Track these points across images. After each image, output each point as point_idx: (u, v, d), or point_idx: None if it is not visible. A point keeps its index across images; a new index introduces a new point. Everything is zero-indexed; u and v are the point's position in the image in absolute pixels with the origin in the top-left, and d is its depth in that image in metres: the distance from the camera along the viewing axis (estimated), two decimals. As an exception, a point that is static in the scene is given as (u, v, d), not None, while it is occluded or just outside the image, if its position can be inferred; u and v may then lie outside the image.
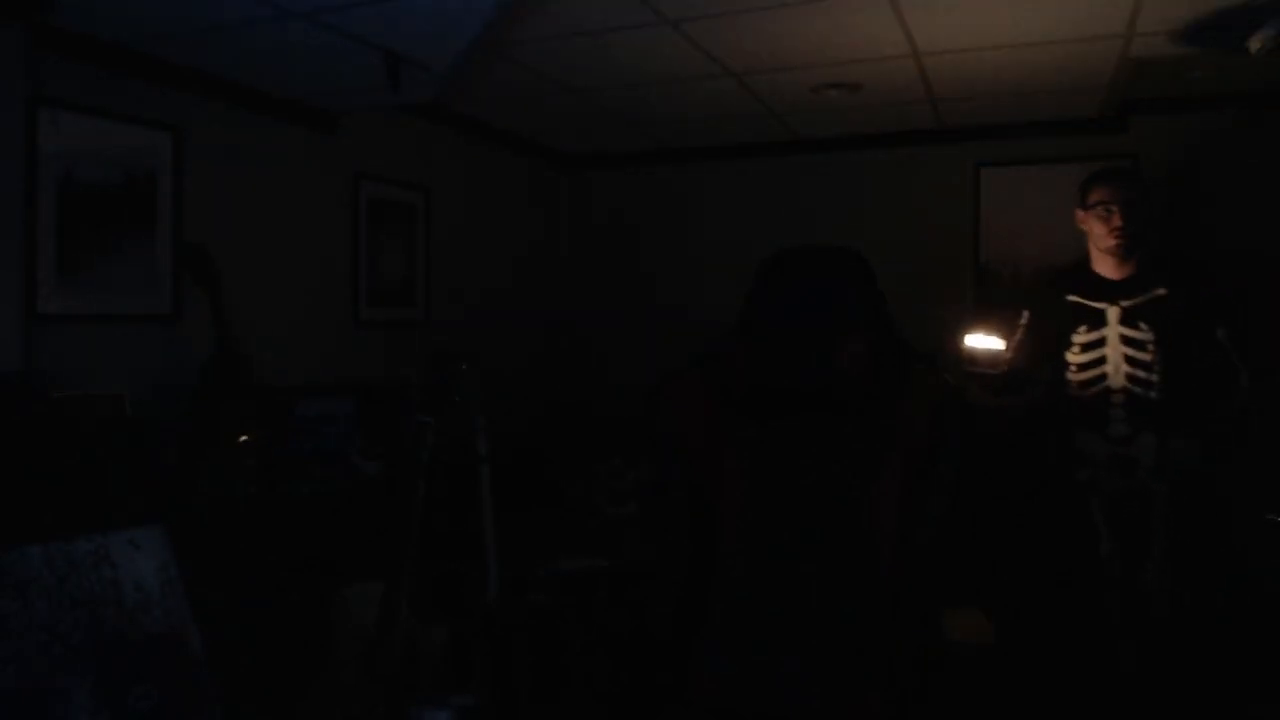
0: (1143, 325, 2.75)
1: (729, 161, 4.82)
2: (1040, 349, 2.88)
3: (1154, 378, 2.74)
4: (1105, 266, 2.85)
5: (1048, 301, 2.92)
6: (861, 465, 1.81)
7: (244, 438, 2.91)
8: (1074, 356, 2.83)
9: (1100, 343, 2.80)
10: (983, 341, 2.76)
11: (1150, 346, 2.74)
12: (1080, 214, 2.92)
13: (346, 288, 3.75)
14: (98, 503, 2.31)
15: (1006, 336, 2.85)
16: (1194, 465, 2.79)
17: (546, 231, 5.10)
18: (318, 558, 2.71)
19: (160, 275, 2.97)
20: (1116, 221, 2.77)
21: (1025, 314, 2.95)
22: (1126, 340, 2.77)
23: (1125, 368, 2.77)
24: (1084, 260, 2.92)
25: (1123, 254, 2.78)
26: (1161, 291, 2.75)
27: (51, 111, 2.65)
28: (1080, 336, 2.83)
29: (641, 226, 5.05)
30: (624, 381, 4.64)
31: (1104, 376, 2.79)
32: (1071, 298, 2.86)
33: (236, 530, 2.73)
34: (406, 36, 2.68)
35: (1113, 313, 2.79)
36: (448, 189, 4.26)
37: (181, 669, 1.53)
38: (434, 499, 2.22)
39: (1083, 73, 3.36)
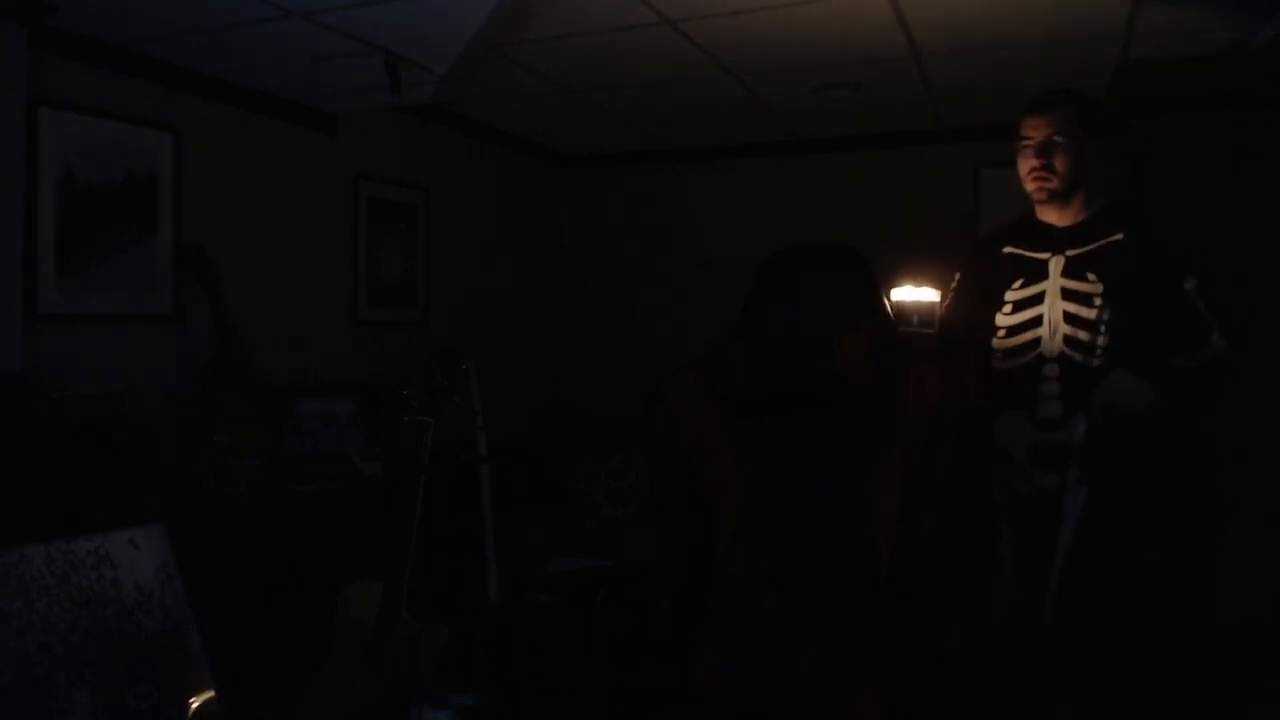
0: (1090, 275, 2.22)
1: (729, 161, 4.82)
2: (974, 315, 2.40)
3: (1098, 339, 2.18)
4: (1050, 213, 2.36)
5: (982, 256, 2.45)
6: (860, 464, 1.81)
7: (244, 438, 2.91)
8: (1004, 317, 2.32)
9: (1037, 299, 2.29)
10: (913, 294, 2.35)
11: (1097, 300, 2.20)
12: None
13: (346, 288, 3.75)
14: (98, 503, 2.31)
15: (941, 289, 2.45)
16: (1126, 454, 2.20)
17: (546, 231, 5.10)
18: (318, 558, 2.71)
19: (160, 275, 2.97)
20: (1031, 160, 2.28)
21: (956, 276, 2.51)
22: (1068, 294, 2.24)
23: (1064, 328, 2.22)
24: (1029, 210, 2.45)
25: (1046, 200, 2.31)
26: (1117, 236, 2.25)
27: (52, 111, 2.65)
28: (1014, 293, 2.32)
29: (641, 226, 5.05)
30: (624, 381, 4.65)
31: (1037, 341, 2.25)
32: (1008, 249, 2.38)
33: (236, 530, 2.73)
34: (406, 36, 2.68)
35: (1055, 263, 2.28)
36: (448, 189, 4.27)
37: (181, 668, 1.53)
38: (434, 499, 2.22)
39: (1083, 73, 3.36)
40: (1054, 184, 2.26)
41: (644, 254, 5.03)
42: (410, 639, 2.08)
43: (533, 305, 4.93)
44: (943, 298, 2.46)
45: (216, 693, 1.56)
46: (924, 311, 2.34)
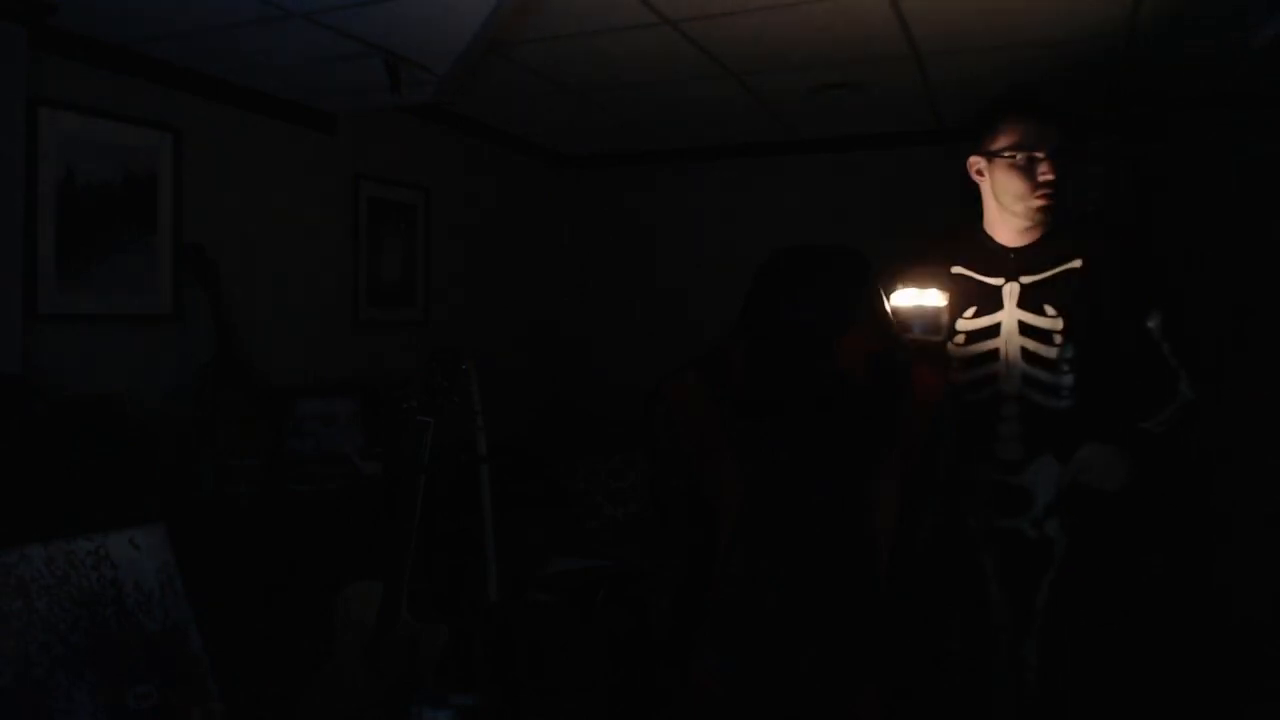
0: (1048, 309, 2.04)
1: (729, 161, 4.82)
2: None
3: (1060, 381, 2.03)
4: (1004, 230, 2.15)
5: (928, 276, 2.19)
6: (860, 465, 1.81)
7: (244, 438, 2.91)
8: (956, 348, 2.13)
9: (991, 331, 2.11)
10: (914, 298, 2.11)
11: (1057, 338, 2.02)
12: (978, 161, 2.22)
13: (346, 288, 3.75)
14: (98, 503, 2.31)
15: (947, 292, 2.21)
16: (1106, 503, 2.07)
17: (546, 231, 5.10)
18: (318, 558, 2.71)
19: (160, 275, 2.97)
20: (1047, 174, 2.05)
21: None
22: (1026, 329, 2.06)
23: (1023, 366, 2.06)
24: (974, 221, 2.24)
25: (1042, 222, 2.11)
26: (1076, 264, 2.06)
27: (52, 111, 2.65)
28: (966, 322, 2.13)
29: (641, 226, 5.05)
30: (624, 381, 4.64)
31: (994, 378, 2.09)
32: (957, 269, 2.17)
33: (236, 530, 2.73)
34: (406, 36, 2.68)
35: (1010, 291, 2.09)
36: (448, 189, 4.27)
37: (181, 668, 1.53)
38: (434, 499, 2.23)
39: (1083, 73, 3.36)
40: (1056, 206, 2.08)
41: (644, 254, 5.03)
42: (410, 639, 2.08)
43: (533, 305, 4.93)
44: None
45: (216, 693, 1.56)
46: (928, 318, 2.08)
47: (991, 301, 2.12)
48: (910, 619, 1.85)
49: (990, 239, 2.19)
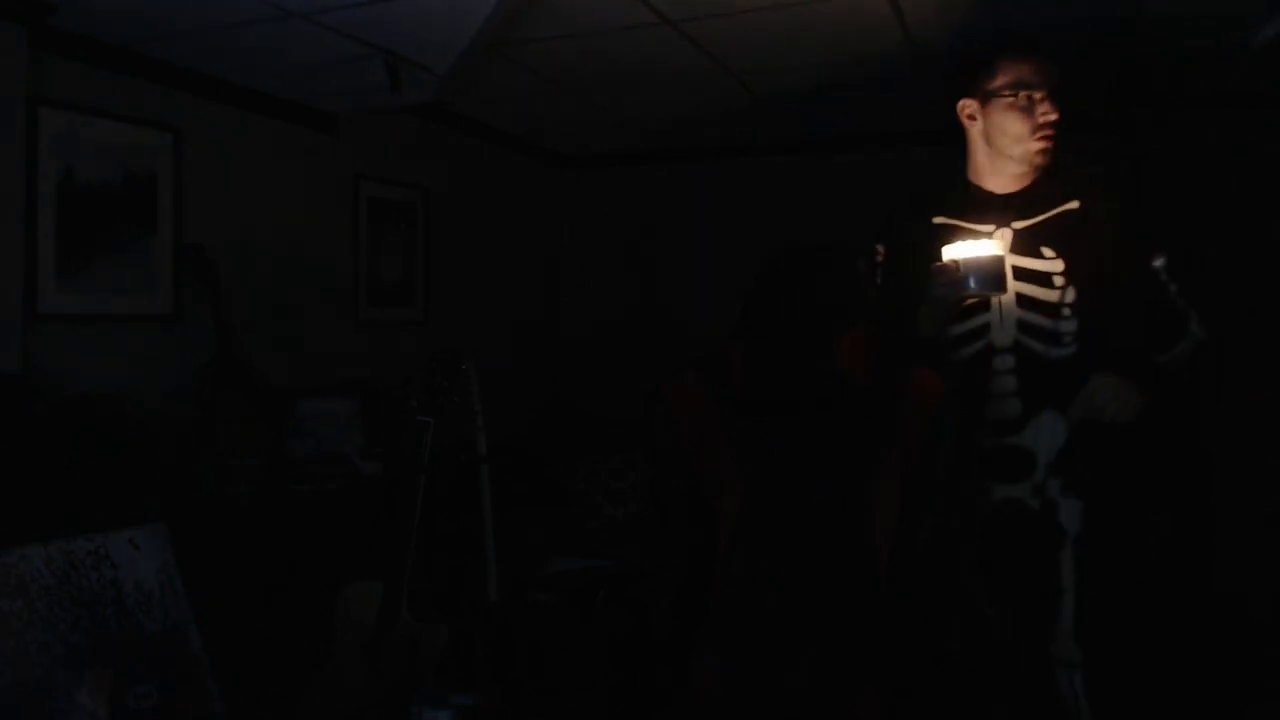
0: (1046, 251, 1.91)
1: (729, 161, 4.82)
2: (904, 298, 2.03)
3: (1060, 326, 1.88)
4: (995, 178, 2.02)
5: (908, 227, 2.09)
6: (860, 465, 1.81)
7: (244, 438, 2.91)
8: None
9: None
10: (970, 249, 1.93)
11: (1057, 280, 1.89)
12: (970, 103, 2.08)
13: (346, 288, 3.75)
14: (98, 503, 2.31)
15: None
16: (1114, 453, 1.94)
17: (546, 231, 5.10)
18: (318, 558, 2.71)
19: (160, 275, 2.97)
20: (1048, 113, 1.91)
21: (878, 250, 2.18)
22: (1022, 274, 1.92)
23: (1017, 313, 1.91)
24: (959, 172, 2.12)
25: (1042, 165, 1.96)
26: (1071, 205, 1.93)
27: (52, 111, 2.65)
28: None
29: (641, 226, 5.05)
30: (624, 381, 4.64)
31: (985, 329, 1.93)
32: (940, 219, 2.03)
33: (236, 530, 2.73)
34: (406, 36, 2.68)
35: (1000, 237, 1.95)
36: (448, 189, 4.27)
37: (181, 668, 1.53)
38: (434, 499, 2.23)
39: (1084, 72, 3.36)
40: (1055, 148, 1.93)
41: (643, 254, 5.03)
42: (410, 639, 2.08)
43: (533, 305, 4.93)
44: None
45: (216, 693, 1.56)
46: (986, 270, 1.86)
47: None
48: (910, 619, 1.85)
49: (978, 188, 2.04)
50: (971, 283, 1.85)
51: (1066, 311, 1.90)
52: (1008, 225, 1.96)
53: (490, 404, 2.39)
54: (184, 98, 3.03)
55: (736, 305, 2.40)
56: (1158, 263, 1.93)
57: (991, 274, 1.86)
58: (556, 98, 3.81)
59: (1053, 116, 1.93)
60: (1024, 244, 1.94)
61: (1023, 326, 1.92)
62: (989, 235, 1.93)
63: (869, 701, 1.78)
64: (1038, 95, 1.93)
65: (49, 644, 1.42)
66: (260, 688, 2.09)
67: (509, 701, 2.54)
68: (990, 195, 2.02)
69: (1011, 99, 1.96)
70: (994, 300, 1.91)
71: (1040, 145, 1.94)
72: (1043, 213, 1.94)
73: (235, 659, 1.81)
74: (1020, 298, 1.92)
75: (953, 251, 1.88)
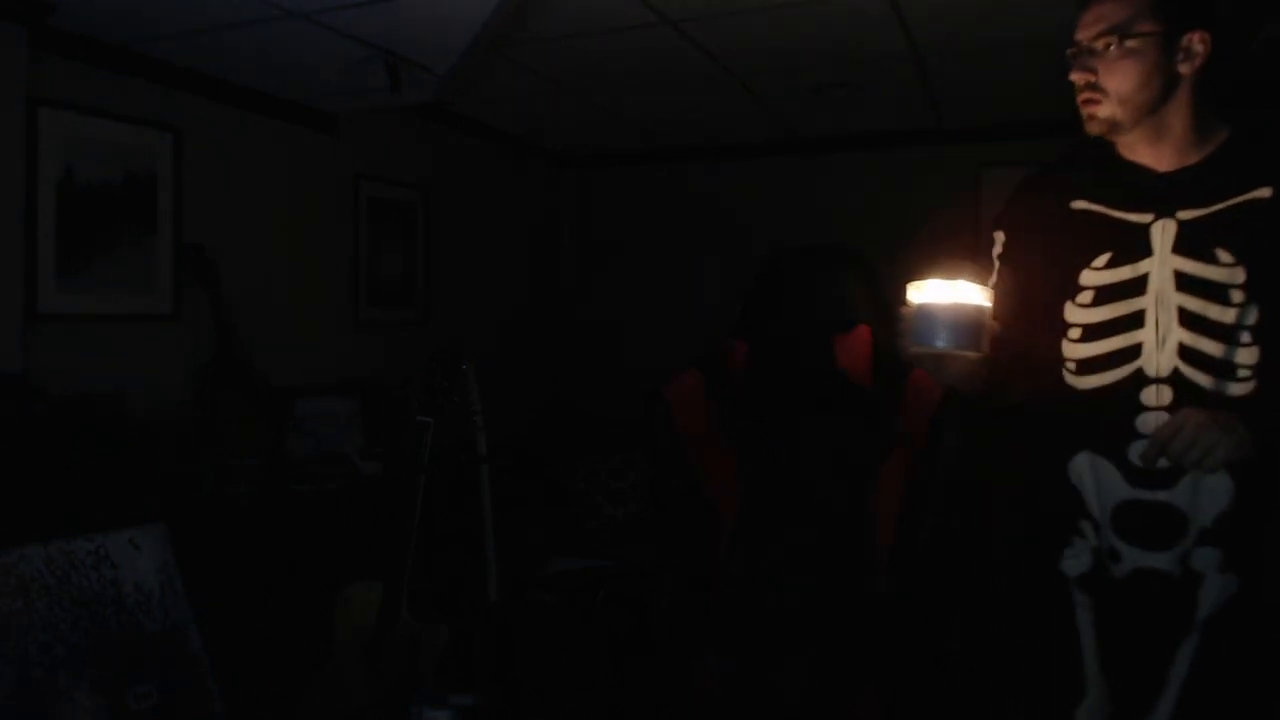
0: (1222, 254, 1.44)
1: (728, 161, 4.82)
2: (1033, 301, 1.59)
3: (1236, 355, 1.44)
4: (1140, 148, 1.54)
5: (1038, 209, 1.63)
6: (860, 464, 1.81)
7: (244, 438, 2.91)
8: (1079, 310, 1.53)
9: (1135, 287, 1.49)
10: (944, 293, 1.47)
11: (1236, 294, 1.43)
12: None
13: (346, 288, 3.75)
14: (98, 503, 2.31)
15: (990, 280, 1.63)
16: None
17: (546, 231, 5.10)
18: (318, 558, 2.71)
19: (160, 275, 2.97)
20: (1075, 75, 1.52)
21: (999, 237, 1.67)
22: (1187, 283, 1.46)
23: (1180, 334, 1.46)
24: (1106, 142, 1.58)
25: (1102, 133, 1.53)
26: (1261, 192, 1.46)
27: (51, 111, 2.65)
28: (1096, 273, 1.52)
29: (641, 226, 5.05)
30: (623, 381, 4.64)
31: (1135, 351, 1.49)
32: (1080, 203, 1.57)
33: (236, 530, 2.73)
34: (406, 36, 2.68)
35: (1162, 231, 1.49)
36: (448, 189, 4.27)
37: (181, 668, 1.53)
38: (434, 499, 2.23)
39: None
40: (1107, 110, 1.48)
41: (643, 254, 5.03)
42: (410, 639, 2.08)
43: (532, 305, 4.93)
44: (994, 287, 1.60)
45: (216, 693, 1.56)
46: (962, 322, 1.45)
47: (1134, 245, 1.50)
48: (910, 618, 1.85)
49: (1130, 163, 1.55)
50: (939, 338, 1.45)
51: (1246, 336, 1.44)
52: (1171, 216, 1.49)
53: (490, 404, 2.39)
54: (184, 98, 3.03)
55: (737, 305, 2.40)
56: None
57: (969, 329, 1.45)
58: (556, 98, 3.81)
59: (1077, 79, 1.51)
60: (1192, 242, 1.47)
61: (1186, 353, 1.46)
62: (1146, 227, 1.49)
63: (869, 701, 1.78)
64: (1070, 51, 1.53)
65: (49, 644, 1.42)
66: (260, 688, 2.09)
67: (509, 701, 2.54)
68: (1148, 172, 1.53)
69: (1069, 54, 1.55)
70: (1151, 317, 1.47)
71: (1083, 111, 1.52)
72: (1220, 200, 1.47)
73: (235, 659, 1.81)
74: (1184, 314, 1.46)
75: (921, 294, 1.49)
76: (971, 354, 1.47)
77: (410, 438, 2.18)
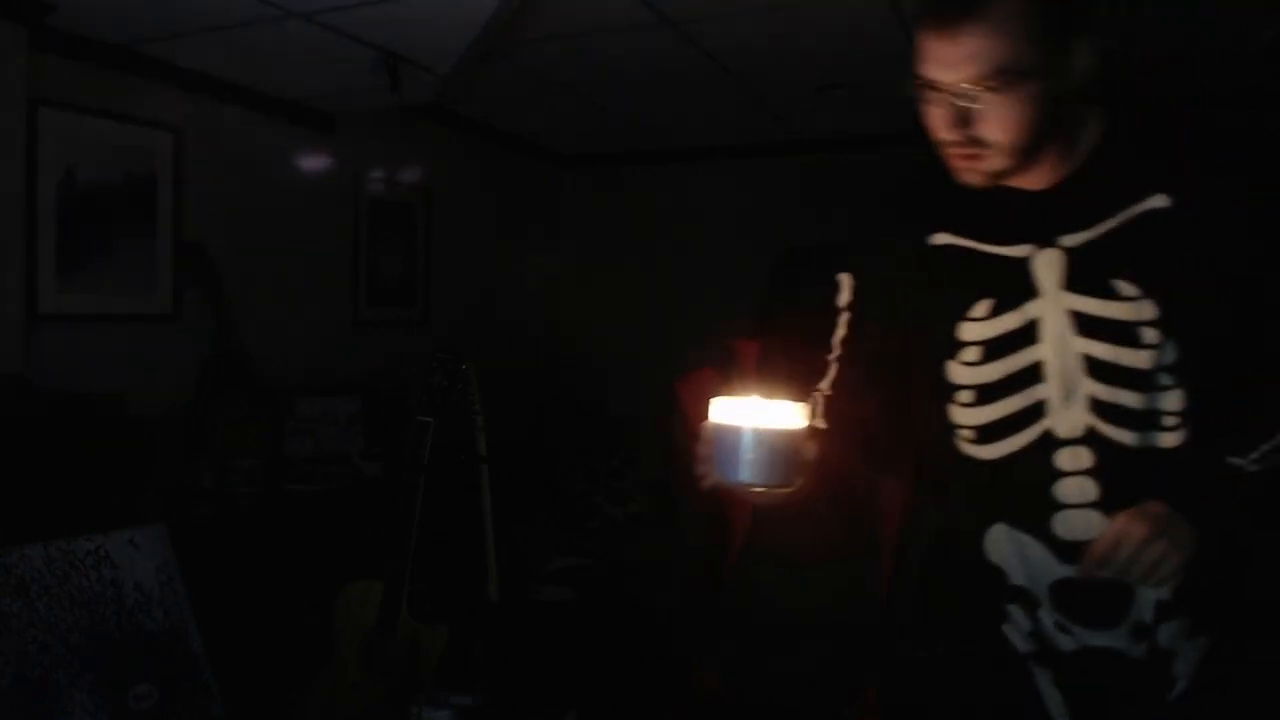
0: (1123, 286, 1.17)
1: (729, 161, 4.82)
2: (902, 360, 1.34)
3: (1159, 402, 1.18)
4: (1014, 177, 1.23)
5: (890, 246, 1.33)
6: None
7: (244, 438, 2.91)
8: (966, 371, 1.26)
9: (1025, 336, 1.23)
10: (749, 415, 1.17)
11: (1148, 334, 1.16)
12: None
13: (346, 288, 3.75)
14: (98, 503, 2.31)
15: (810, 385, 1.37)
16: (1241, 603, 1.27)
17: (546, 231, 5.10)
18: (318, 558, 2.71)
19: (160, 275, 2.97)
20: (944, 131, 1.17)
21: (845, 281, 1.38)
22: (1086, 324, 1.19)
23: (1089, 386, 1.20)
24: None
25: (982, 181, 1.20)
26: (1159, 202, 1.17)
27: (52, 111, 2.65)
28: (977, 326, 1.25)
29: (641, 226, 5.05)
30: (624, 381, 4.64)
31: (1038, 411, 1.23)
32: (941, 237, 1.28)
33: (236, 530, 2.73)
34: (406, 36, 2.68)
35: (1045, 263, 1.21)
36: (448, 189, 4.27)
37: (181, 668, 1.53)
38: (434, 499, 2.22)
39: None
40: (993, 164, 1.17)
41: (643, 254, 5.03)
42: (410, 639, 2.08)
43: (532, 305, 4.93)
44: (820, 352, 1.38)
45: (216, 692, 1.56)
46: (770, 452, 1.16)
47: (1016, 286, 1.22)
48: (910, 618, 1.85)
49: (999, 183, 1.23)
50: (742, 471, 1.16)
51: (1167, 379, 1.18)
52: (1052, 243, 1.20)
53: (490, 404, 2.38)
54: (184, 98, 3.03)
55: (755, 303, 2.39)
56: None
57: (774, 460, 1.16)
58: (556, 98, 3.81)
59: (948, 136, 1.17)
60: (1085, 274, 1.19)
61: (1099, 407, 1.20)
62: (1024, 262, 1.21)
63: (869, 701, 1.78)
64: (926, 92, 1.17)
65: (49, 644, 1.42)
66: (260, 688, 2.09)
67: (509, 701, 2.54)
68: (1016, 193, 1.24)
69: (919, 95, 1.18)
70: (1049, 370, 1.21)
71: (956, 164, 1.20)
72: (1109, 217, 1.18)
73: (235, 659, 1.81)
74: (1091, 362, 1.19)
75: (720, 413, 1.19)
76: (779, 490, 1.19)
77: (410, 438, 2.18)
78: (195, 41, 2.75)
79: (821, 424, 1.33)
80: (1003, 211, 1.24)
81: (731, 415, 1.16)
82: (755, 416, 1.15)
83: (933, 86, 1.15)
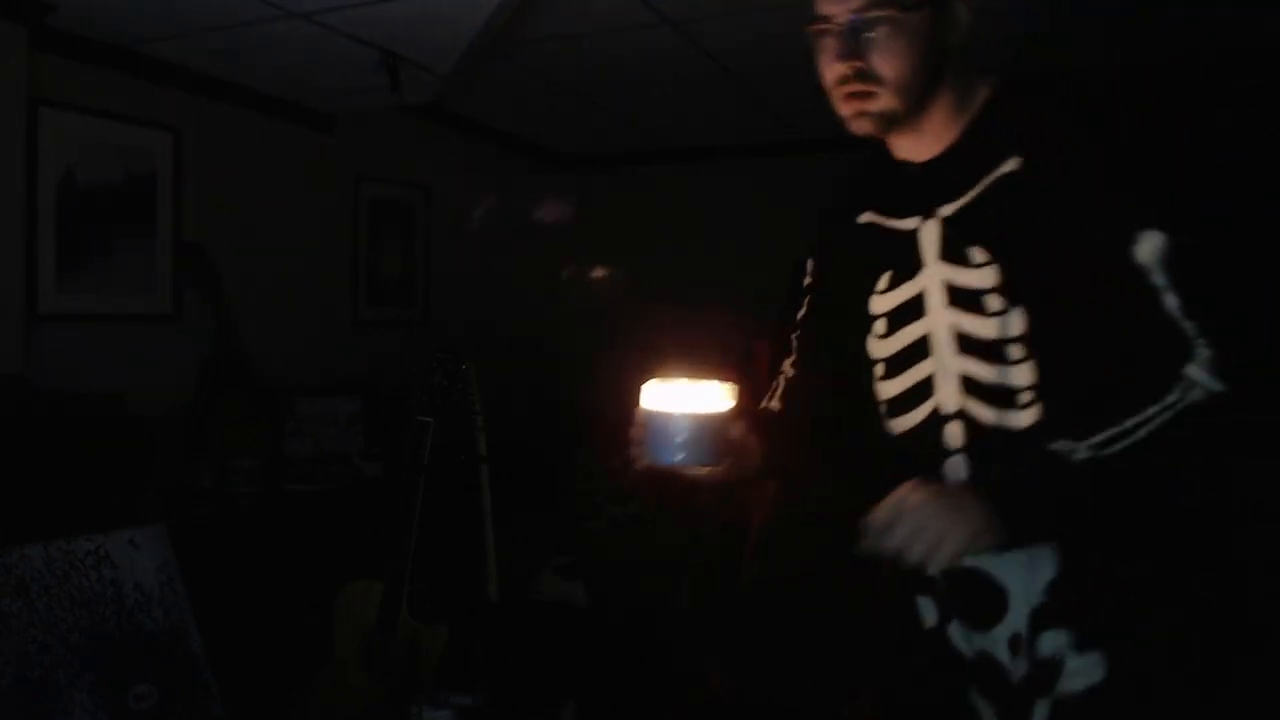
0: (976, 252, 1.15)
1: (729, 161, 4.82)
2: (841, 337, 1.34)
3: (1010, 378, 1.14)
4: (899, 141, 1.26)
5: (835, 229, 1.37)
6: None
7: (244, 438, 2.91)
8: (878, 344, 1.28)
9: (915, 309, 1.23)
10: (675, 398, 1.21)
11: (992, 301, 1.14)
12: None
13: (346, 288, 3.75)
14: (98, 502, 2.31)
15: (748, 369, 1.45)
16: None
17: (546, 231, 5.10)
18: (318, 558, 2.71)
19: (160, 275, 2.97)
20: (835, 63, 1.21)
21: (809, 265, 1.43)
22: (954, 295, 1.18)
23: (957, 361, 1.18)
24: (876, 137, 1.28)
25: (875, 132, 1.22)
26: (1009, 166, 1.14)
27: (51, 111, 2.65)
28: (882, 299, 1.26)
29: (641, 226, 5.05)
30: (624, 381, 4.63)
31: (928, 386, 1.22)
32: (865, 216, 1.31)
33: (236, 530, 2.72)
34: (407, 37, 2.67)
35: (927, 235, 1.21)
36: (448, 189, 4.26)
37: (181, 668, 1.53)
38: (434, 499, 2.22)
39: (1084, 71, 3.36)
40: (883, 103, 1.18)
41: (644, 254, 5.03)
42: (410, 639, 2.08)
43: (532, 305, 4.92)
44: (800, 321, 1.41)
45: (216, 693, 1.56)
46: (699, 433, 1.18)
47: (908, 258, 1.23)
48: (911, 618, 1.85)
49: (896, 158, 1.28)
50: (674, 452, 1.19)
51: (1015, 351, 1.13)
52: (933, 214, 1.21)
53: (490, 404, 2.38)
54: (184, 97, 3.03)
55: (737, 304, 2.39)
56: (1145, 246, 1.06)
57: (710, 440, 1.19)
58: (557, 98, 3.81)
59: (841, 70, 1.19)
60: (954, 243, 1.18)
61: (967, 383, 1.17)
62: (913, 234, 1.22)
63: (869, 701, 1.78)
64: (818, 27, 1.22)
65: (49, 644, 1.41)
66: (260, 688, 2.09)
67: (509, 702, 2.54)
68: (908, 167, 1.26)
69: (813, 37, 1.25)
70: (932, 338, 1.21)
71: (846, 109, 1.22)
72: (975, 184, 1.16)
73: (235, 659, 1.81)
74: (958, 335, 1.17)
75: (653, 396, 1.22)
76: (707, 468, 1.21)
77: (410, 438, 2.18)
78: (195, 41, 2.75)
79: (776, 405, 1.37)
80: (900, 186, 1.27)
81: (661, 400, 1.20)
82: (683, 400, 1.19)
83: (825, 21, 1.20)
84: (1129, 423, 1.04)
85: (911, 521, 1.04)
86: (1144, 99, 1.26)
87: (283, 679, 2.20)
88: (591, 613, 3.13)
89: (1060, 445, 1.05)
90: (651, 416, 1.21)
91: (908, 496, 1.06)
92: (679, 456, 1.19)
